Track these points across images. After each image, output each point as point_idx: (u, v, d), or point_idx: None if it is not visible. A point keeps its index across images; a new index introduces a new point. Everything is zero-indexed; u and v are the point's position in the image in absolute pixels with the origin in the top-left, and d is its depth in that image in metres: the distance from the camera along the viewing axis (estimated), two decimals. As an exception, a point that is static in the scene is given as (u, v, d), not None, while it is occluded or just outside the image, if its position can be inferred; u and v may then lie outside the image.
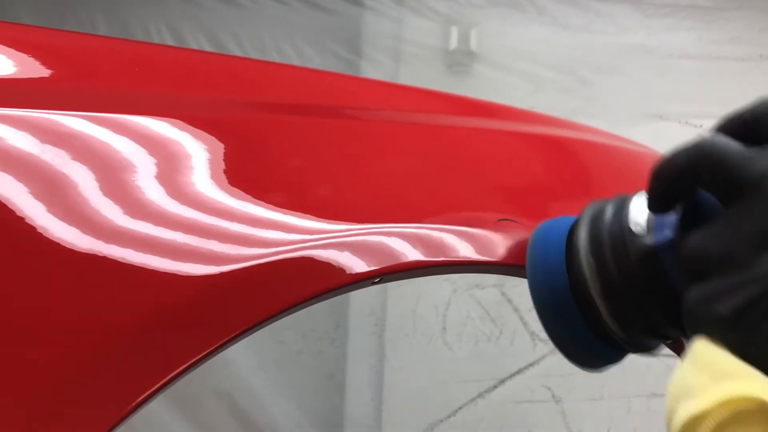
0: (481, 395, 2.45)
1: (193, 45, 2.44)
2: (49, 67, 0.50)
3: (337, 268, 0.51)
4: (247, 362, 2.39)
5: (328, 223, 0.53)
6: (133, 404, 0.41)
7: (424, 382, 2.46)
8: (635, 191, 0.53)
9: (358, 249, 0.52)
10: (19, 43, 0.50)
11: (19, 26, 0.56)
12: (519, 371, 2.43)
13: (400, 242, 0.55)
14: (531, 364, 2.42)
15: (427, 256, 0.56)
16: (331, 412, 2.52)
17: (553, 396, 2.42)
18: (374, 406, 2.48)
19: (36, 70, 0.49)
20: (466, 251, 0.59)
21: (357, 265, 0.52)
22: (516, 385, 2.44)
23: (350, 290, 0.53)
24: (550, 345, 2.02)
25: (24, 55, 0.49)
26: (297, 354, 2.49)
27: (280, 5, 2.45)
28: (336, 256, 0.51)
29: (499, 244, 0.62)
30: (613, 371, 2.05)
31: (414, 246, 0.56)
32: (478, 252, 0.59)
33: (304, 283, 0.49)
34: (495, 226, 0.63)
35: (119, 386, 0.42)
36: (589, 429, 2.41)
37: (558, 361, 2.33)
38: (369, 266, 0.52)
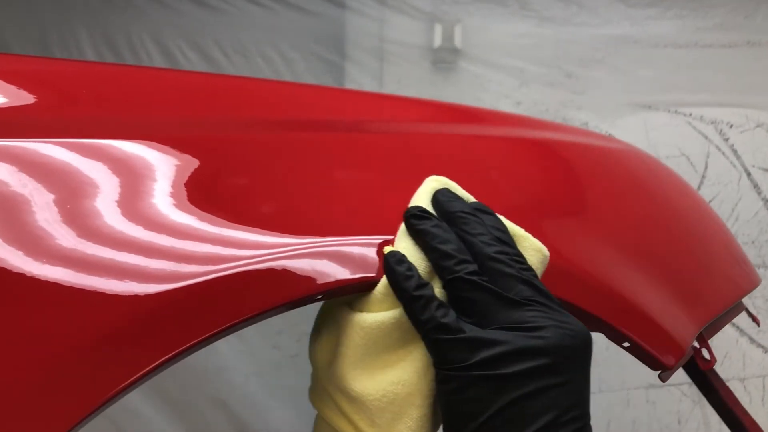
0: (478, 393, 2.44)
1: (176, 52, 2.43)
2: (18, 96, 0.50)
3: (277, 286, 0.50)
4: (241, 368, 2.39)
5: (270, 238, 0.52)
6: (86, 413, 0.42)
7: (420, 381, 2.44)
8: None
9: (293, 269, 0.52)
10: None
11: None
12: (516, 368, 2.42)
13: (331, 260, 0.55)
14: (528, 360, 2.40)
15: (367, 272, 0.56)
16: (329, 415, 2.51)
17: (551, 391, 2.40)
18: (372, 408, 2.47)
19: (12, 98, 0.49)
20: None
21: (292, 285, 0.51)
22: (513, 382, 2.42)
23: (291, 308, 0.53)
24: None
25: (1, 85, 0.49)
26: (292, 358, 2.48)
27: (262, 9, 2.44)
28: (274, 275, 0.51)
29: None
30: (611, 364, 2.07)
31: (352, 262, 0.56)
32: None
33: (244, 302, 0.49)
34: None
35: (73, 395, 0.42)
36: (589, 423, 2.39)
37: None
38: (303, 287, 0.52)
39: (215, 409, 2.39)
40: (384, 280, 0.57)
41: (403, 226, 0.60)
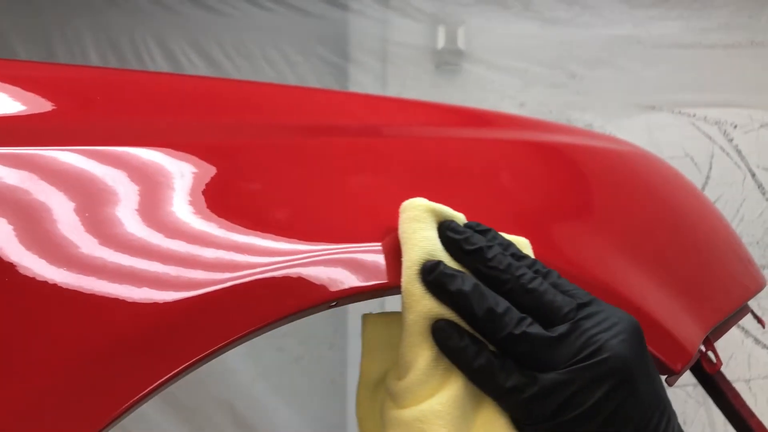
0: (483, 394, 2.45)
1: (179, 55, 2.43)
2: (36, 103, 0.50)
3: (290, 293, 0.50)
4: (247, 371, 2.40)
5: (289, 245, 0.52)
6: (108, 420, 0.42)
7: (425, 383, 2.45)
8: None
9: (310, 276, 0.52)
10: (10, 80, 0.50)
11: (9, 62, 0.56)
12: (520, 369, 2.42)
13: (345, 266, 0.54)
14: (532, 362, 2.41)
15: (379, 279, 0.55)
16: (334, 417, 2.52)
17: (556, 392, 2.40)
18: (376, 409, 2.48)
19: (29, 106, 0.49)
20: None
21: (309, 291, 0.51)
22: (518, 384, 2.43)
23: (305, 315, 0.52)
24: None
25: (16, 92, 0.50)
26: (297, 360, 2.49)
27: (265, 11, 2.45)
28: (288, 282, 0.51)
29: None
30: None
31: (365, 269, 0.55)
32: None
33: (257, 310, 0.49)
34: None
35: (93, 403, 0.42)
36: (594, 424, 2.39)
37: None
38: (318, 293, 0.52)
39: (221, 410, 2.40)
40: (415, 372, 0.53)
41: (414, 281, 0.54)
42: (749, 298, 1.00)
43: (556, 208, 0.80)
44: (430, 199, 0.59)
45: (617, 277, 0.77)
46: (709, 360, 0.88)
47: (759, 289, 1.04)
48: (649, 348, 0.75)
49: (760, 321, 1.10)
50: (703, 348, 0.86)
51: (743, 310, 1.00)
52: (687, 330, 0.81)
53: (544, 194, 0.81)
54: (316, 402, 2.52)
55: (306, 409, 2.50)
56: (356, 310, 2.47)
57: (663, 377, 0.80)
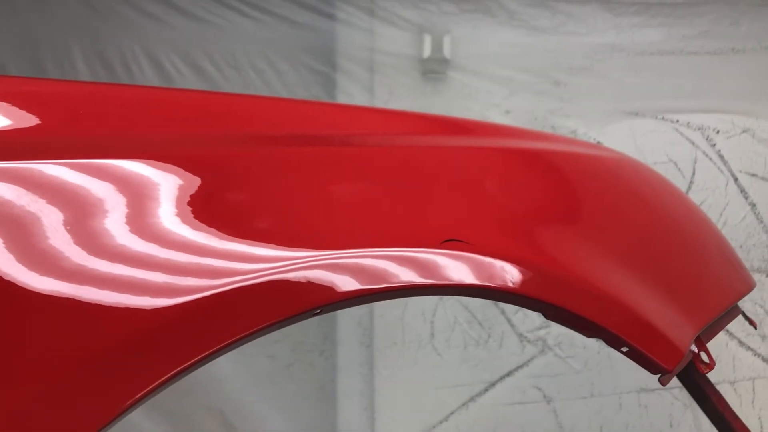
0: (472, 399, 2.46)
1: (167, 65, 2.44)
2: (29, 118, 0.50)
3: (276, 301, 0.51)
4: (237, 378, 2.40)
5: (281, 252, 0.53)
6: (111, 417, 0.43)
7: (415, 388, 2.47)
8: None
9: (291, 284, 0.53)
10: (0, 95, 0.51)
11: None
12: (509, 373, 2.45)
13: (332, 272, 0.55)
14: (520, 366, 2.43)
15: (364, 285, 0.56)
16: (324, 424, 2.52)
17: (544, 396, 2.43)
18: (367, 415, 2.49)
19: (16, 121, 0.50)
20: (404, 276, 0.58)
21: (290, 300, 0.52)
22: (507, 387, 2.45)
23: (290, 323, 0.53)
24: (539, 346, 2.06)
25: (5, 107, 0.50)
26: (287, 367, 2.50)
27: (253, 21, 2.46)
28: (279, 287, 0.51)
29: (442, 266, 0.62)
30: (602, 368, 2.09)
31: (350, 275, 0.56)
32: (419, 275, 0.59)
33: (253, 314, 0.50)
34: (440, 246, 0.62)
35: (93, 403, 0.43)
36: (582, 427, 2.42)
37: (547, 361, 2.32)
38: (301, 302, 0.52)
39: (211, 418, 2.40)
40: None
41: None
42: (739, 299, 1.02)
43: (548, 214, 0.82)
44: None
45: (605, 279, 0.79)
46: (702, 360, 0.90)
47: (748, 290, 1.06)
48: (641, 348, 0.77)
49: (752, 322, 1.12)
50: (695, 348, 0.88)
51: (734, 311, 1.02)
52: (678, 329, 0.83)
53: (536, 201, 0.82)
54: (306, 409, 2.52)
55: (296, 415, 2.50)
56: (346, 317, 2.48)
57: (656, 377, 0.81)
